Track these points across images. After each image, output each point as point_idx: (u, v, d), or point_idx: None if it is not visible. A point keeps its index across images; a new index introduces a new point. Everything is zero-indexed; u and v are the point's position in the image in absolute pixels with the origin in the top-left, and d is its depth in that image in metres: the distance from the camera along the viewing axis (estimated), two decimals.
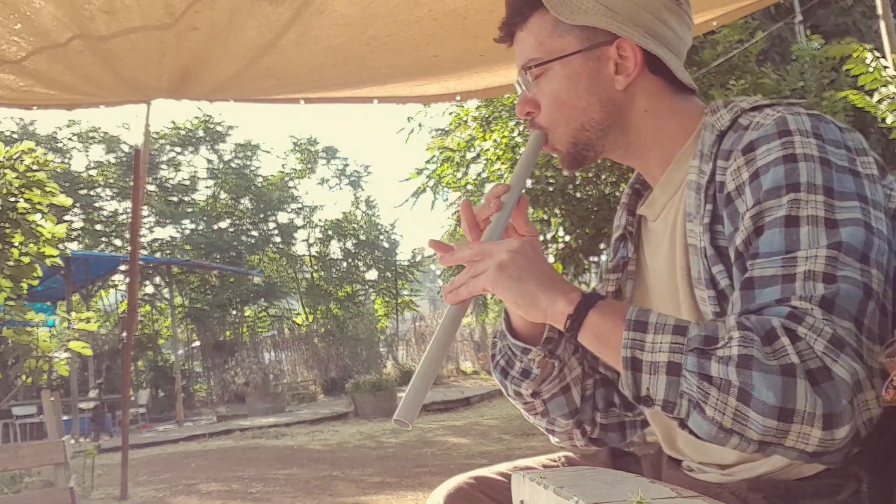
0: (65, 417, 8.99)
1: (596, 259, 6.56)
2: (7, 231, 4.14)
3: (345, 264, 21.30)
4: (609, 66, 0.93)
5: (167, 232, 18.83)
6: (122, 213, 17.84)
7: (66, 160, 17.06)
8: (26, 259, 4.24)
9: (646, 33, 0.92)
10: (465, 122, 8.06)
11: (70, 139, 17.76)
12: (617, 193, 6.34)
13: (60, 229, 4.40)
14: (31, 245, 4.22)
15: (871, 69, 3.17)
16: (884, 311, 0.75)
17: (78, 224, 17.29)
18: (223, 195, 20.01)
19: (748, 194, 0.80)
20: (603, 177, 6.65)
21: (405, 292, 21.84)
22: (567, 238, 6.40)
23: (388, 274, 21.56)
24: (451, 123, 8.79)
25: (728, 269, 0.83)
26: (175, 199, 19.22)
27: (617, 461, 1.09)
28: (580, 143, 0.96)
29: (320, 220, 21.39)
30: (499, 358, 1.05)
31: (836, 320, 0.71)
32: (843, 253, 0.74)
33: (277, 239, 20.51)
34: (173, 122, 19.09)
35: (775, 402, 0.67)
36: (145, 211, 17.19)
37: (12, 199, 4.14)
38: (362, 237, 21.44)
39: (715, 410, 0.70)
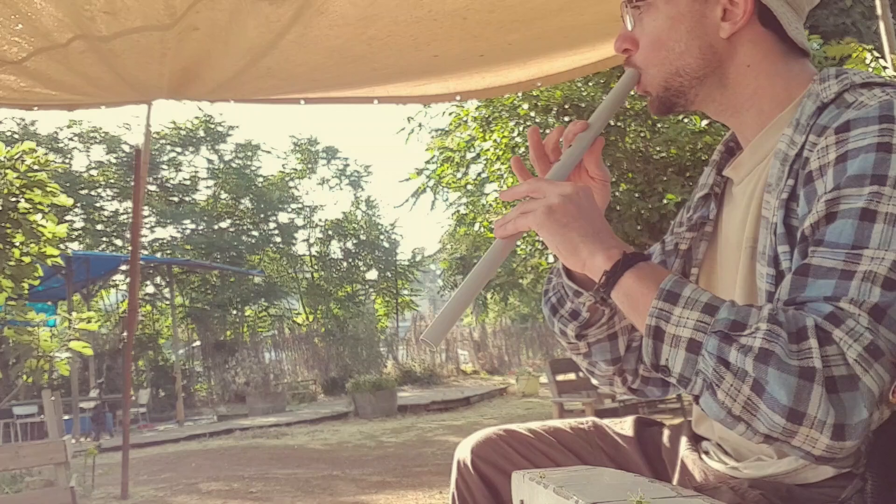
0: (65, 417, 8.99)
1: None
2: (8, 231, 4.15)
3: (345, 264, 21.30)
4: (717, 11, 0.88)
5: (168, 232, 18.85)
6: (122, 213, 17.83)
7: (67, 160, 17.06)
8: (27, 259, 4.25)
9: None
10: (465, 122, 8.06)
11: (71, 139, 17.76)
12: (617, 193, 6.33)
13: (61, 229, 4.41)
14: (32, 245, 4.22)
15: (870, 69, 3.17)
16: None
17: (79, 224, 17.28)
18: (224, 195, 20.01)
19: (830, 176, 0.76)
20: None
21: (405, 292, 21.84)
22: None
23: (389, 274, 21.56)
24: (451, 123, 8.79)
25: (793, 252, 0.79)
26: (176, 199, 19.21)
27: (642, 430, 1.09)
28: (672, 88, 0.92)
29: (321, 220, 21.41)
30: (551, 294, 1.05)
31: (883, 331, 0.67)
32: None
33: (278, 239, 20.51)
34: (174, 123, 19.09)
35: (786, 402, 0.66)
36: (146, 211, 17.19)
37: (13, 199, 4.15)
38: (362, 237, 21.44)
39: (727, 395, 0.69)
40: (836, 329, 0.67)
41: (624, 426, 1.11)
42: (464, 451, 1.07)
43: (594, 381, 1.11)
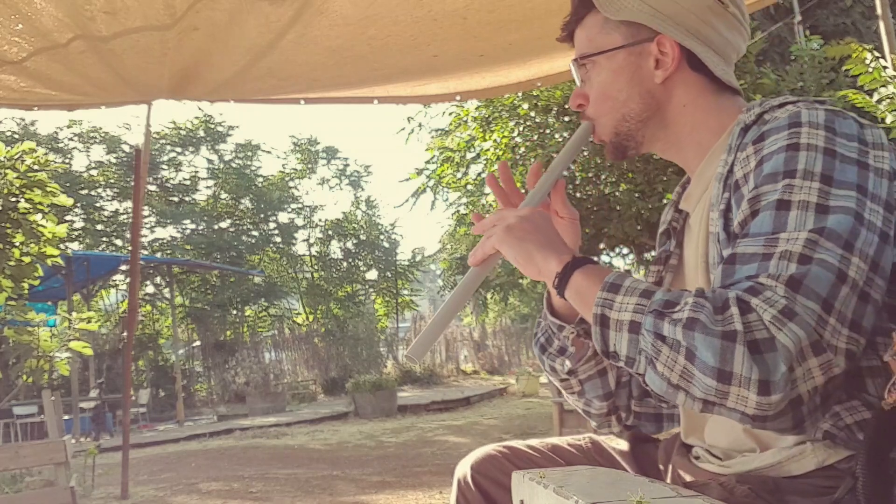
0: (65, 417, 8.99)
1: (596, 259, 6.58)
2: (8, 231, 4.15)
3: (345, 264, 21.30)
4: (650, 61, 0.99)
5: (168, 232, 18.84)
6: (122, 213, 17.83)
7: (67, 160, 17.06)
8: (27, 259, 4.25)
9: (687, 31, 0.98)
10: (465, 122, 8.06)
11: (71, 139, 17.77)
12: (617, 193, 6.33)
13: (61, 229, 4.41)
14: (33, 245, 4.22)
15: (870, 69, 3.17)
16: (864, 298, 0.75)
17: (79, 224, 17.29)
18: (224, 195, 20.01)
19: (751, 180, 0.84)
20: (603, 177, 6.64)
21: (405, 292, 21.84)
22: None
23: (389, 274, 21.56)
24: (451, 124, 8.79)
25: None
26: (176, 199, 19.21)
27: (637, 445, 1.14)
28: (621, 133, 1.03)
29: (321, 220, 21.41)
30: (540, 335, 1.16)
31: (800, 299, 0.72)
32: (824, 237, 0.75)
33: (278, 239, 20.51)
34: (174, 123, 19.09)
35: (714, 364, 0.71)
36: (146, 211, 17.19)
37: (13, 199, 4.15)
38: (362, 237, 21.44)
39: (665, 367, 0.75)
40: (753, 298, 0.73)
41: (619, 441, 1.16)
42: (463, 469, 1.11)
43: (593, 424, 1.18)
